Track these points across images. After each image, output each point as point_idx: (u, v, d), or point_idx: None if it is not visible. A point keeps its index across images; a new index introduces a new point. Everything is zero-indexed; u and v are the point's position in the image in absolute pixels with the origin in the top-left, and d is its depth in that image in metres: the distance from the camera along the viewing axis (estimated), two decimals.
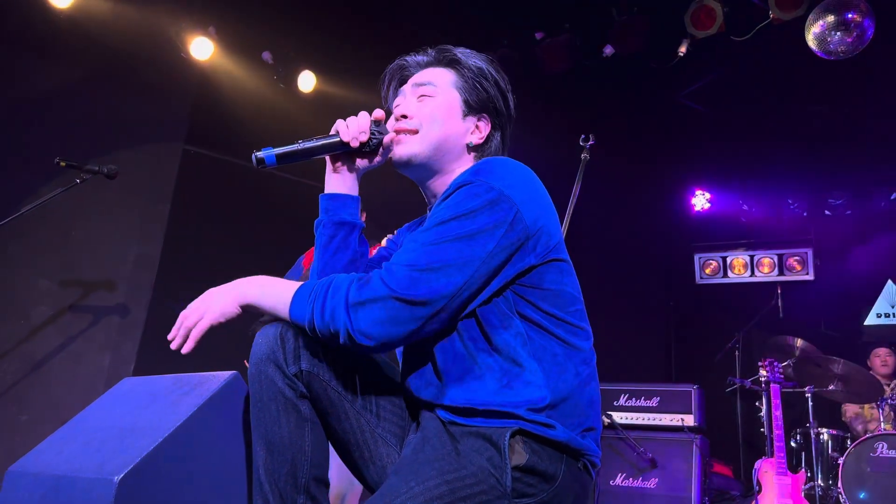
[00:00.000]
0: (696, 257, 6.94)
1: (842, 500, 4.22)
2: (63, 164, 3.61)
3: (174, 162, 5.17)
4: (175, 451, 1.38)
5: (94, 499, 1.34)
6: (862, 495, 4.19)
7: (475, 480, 1.29)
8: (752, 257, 6.66)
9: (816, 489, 4.51)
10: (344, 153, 1.63)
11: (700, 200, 6.99)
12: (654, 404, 4.83)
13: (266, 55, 5.45)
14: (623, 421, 4.79)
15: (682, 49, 4.93)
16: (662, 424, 4.74)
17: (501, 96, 1.68)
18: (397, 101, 1.68)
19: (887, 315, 6.42)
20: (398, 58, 1.74)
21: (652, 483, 4.56)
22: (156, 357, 4.70)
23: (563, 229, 3.16)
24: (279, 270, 4.31)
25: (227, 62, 5.33)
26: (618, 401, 4.92)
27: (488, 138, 1.66)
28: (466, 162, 1.63)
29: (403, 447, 1.47)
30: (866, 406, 5.16)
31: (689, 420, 4.67)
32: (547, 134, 5.23)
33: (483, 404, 1.37)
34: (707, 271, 6.86)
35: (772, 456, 4.33)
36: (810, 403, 4.78)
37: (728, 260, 6.77)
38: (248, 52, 5.39)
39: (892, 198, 6.23)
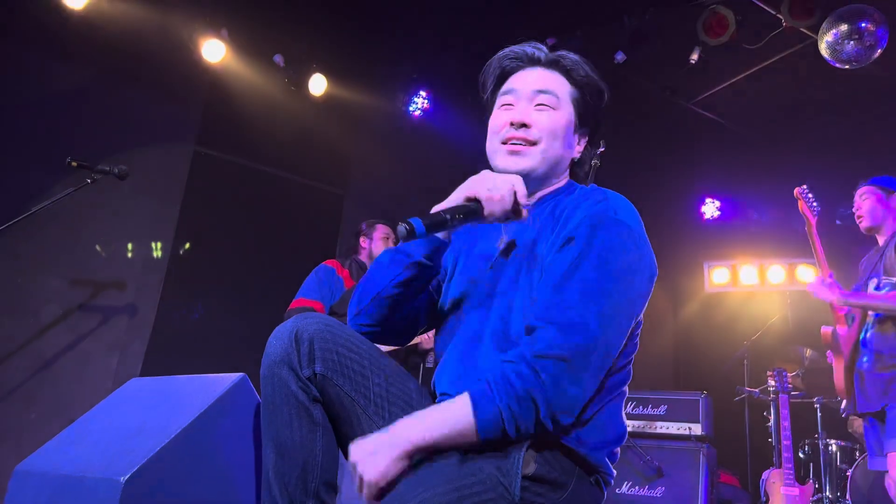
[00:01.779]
0: (705, 265, 6.92)
1: None
2: (75, 164, 3.62)
3: (185, 163, 5.19)
4: (182, 452, 1.38)
5: (100, 499, 1.34)
6: None
7: (484, 488, 1.28)
8: (762, 266, 6.62)
9: (825, 501, 4.47)
10: None
11: (710, 209, 6.97)
12: (661, 412, 4.81)
13: (277, 58, 5.46)
14: (630, 429, 4.75)
15: (694, 56, 4.92)
16: (669, 433, 4.72)
17: (603, 110, 1.65)
18: (508, 100, 1.59)
19: None
20: (509, 48, 1.64)
21: (658, 492, 4.53)
22: (164, 357, 4.72)
23: None
24: (286, 272, 4.33)
25: (239, 65, 5.35)
26: (625, 409, 4.91)
27: (585, 151, 1.64)
28: (564, 176, 1.62)
29: None
30: None
31: (697, 429, 4.65)
32: None
33: None
34: (716, 280, 6.83)
35: (780, 466, 4.29)
36: (819, 414, 4.75)
37: (738, 269, 6.74)
38: (259, 54, 5.41)
39: None
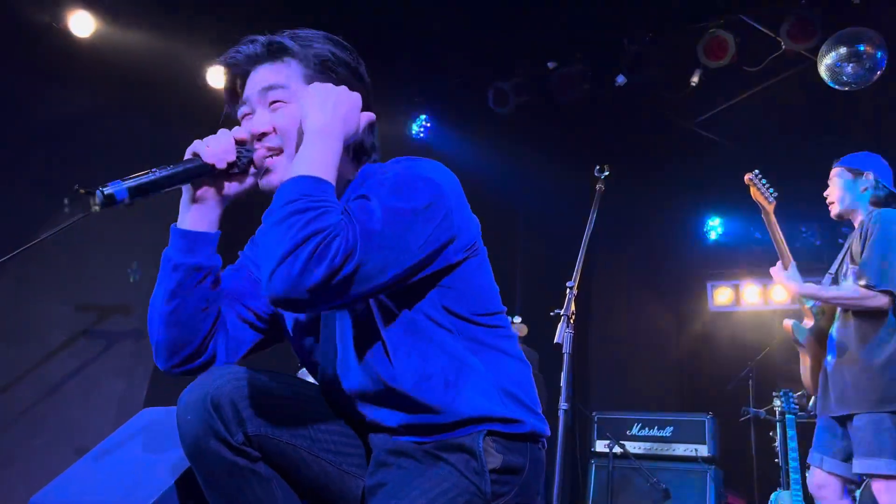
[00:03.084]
0: (709, 285, 6.93)
1: None
2: (83, 191, 3.65)
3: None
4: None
5: None
6: None
7: (459, 492, 1.27)
8: (765, 285, 6.63)
9: None
10: (208, 178, 1.38)
11: (713, 228, 6.99)
12: (667, 434, 4.80)
13: None
14: (636, 451, 4.76)
15: (695, 79, 4.97)
16: (676, 455, 4.71)
17: (353, 74, 1.47)
18: (245, 110, 1.44)
19: None
20: (226, 54, 1.47)
21: None
22: (169, 382, 4.71)
23: (580, 258, 3.16)
24: None
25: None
26: (631, 430, 4.89)
27: (356, 128, 1.41)
28: (347, 164, 1.46)
29: (370, 474, 1.39)
30: None
31: (703, 450, 4.64)
32: (561, 163, 5.26)
33: (443, 419, 1.34)
34: (720, 299, 6.84)
35: (787, 488, 4.27)
36: None
37: (741, 288, 6.75)
38: None
39: None
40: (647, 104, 5.60)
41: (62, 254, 4.66)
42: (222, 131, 1.38)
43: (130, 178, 1.23)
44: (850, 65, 4.26)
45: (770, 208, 3.30)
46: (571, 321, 2.91)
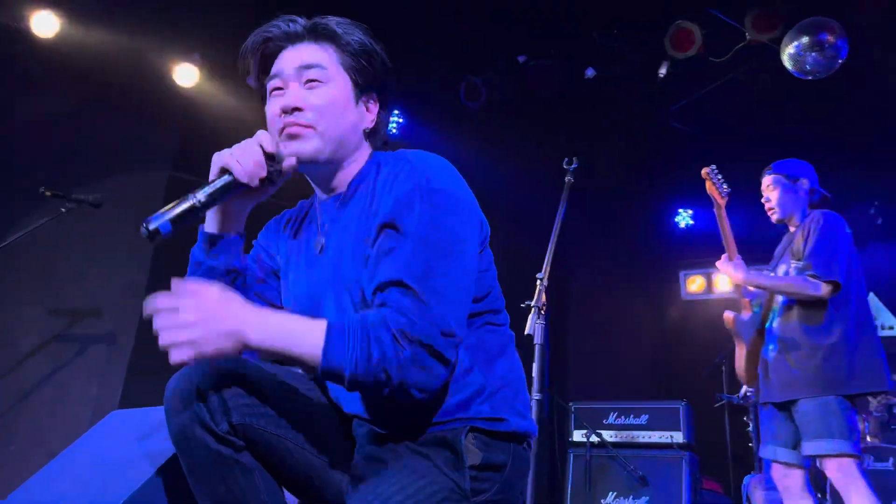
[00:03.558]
0: (681, 274, 7.02)
1: None
2: (49, 193, 3.62)
3: (161, 189, 5.17)
4: (164, 486, 1.38)
5: None
6: None
7: (437, 488, 1.28)
8: None
9: None
10: (239, 193, 1.43)
11: (684, 218, 7.07)
12: (642, 422, 4.85)
13: (251, 80, 5.47)
14: (613, 439, 4.81)
15: (663, 70, 5.02)
16: (651, 442, 4.76)
17: (385, 70, 1.52)
18: (276, 84, 1.46)
19: None
20: (261, 28, 1.50)
21: (643, 501, 4.57)
22: (144, 385, 4.67)
23: (549, 250, 3.19)
24: None
25: (213, 88, 5.36)
26: (607, 419, 4.94)
27: (379, 119, 1.52)
28: (362, 150, 1.51)
29: (353, 466, 1.41)
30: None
31: (678, 437, 4.70)
32: (533, 156, 5.29)
33: (427, 414, 1.35)
34: (692, 288, 6.93)
35: (760, 471, 4.35)
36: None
37: (712, 276, 6.85)
38: (233, 77, 5.42)
39: (871, 212, 6.32)
40: (617, 96, 5.64)
41: (32, 258, 4.60)
42: (249, 143, 1.38)
43: (170, 209, 1.28)
44: (813, 54, 4.33)
45: (722, 203, 3.40)
46: (542, 312, 2.94)
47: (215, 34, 5.18)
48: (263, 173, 1.38)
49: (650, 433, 4.79)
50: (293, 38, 1.47)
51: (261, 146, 1.38)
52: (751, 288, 3.29)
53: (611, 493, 4.67)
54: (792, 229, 3.28)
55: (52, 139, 4.83)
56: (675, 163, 6.43)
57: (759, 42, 4.65)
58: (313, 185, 1.57)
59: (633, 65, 5.15)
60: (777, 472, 3.13)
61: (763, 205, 3.39)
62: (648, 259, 7.03)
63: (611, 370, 6.37)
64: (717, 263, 3.30)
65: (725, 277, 6.75)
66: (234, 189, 1.36)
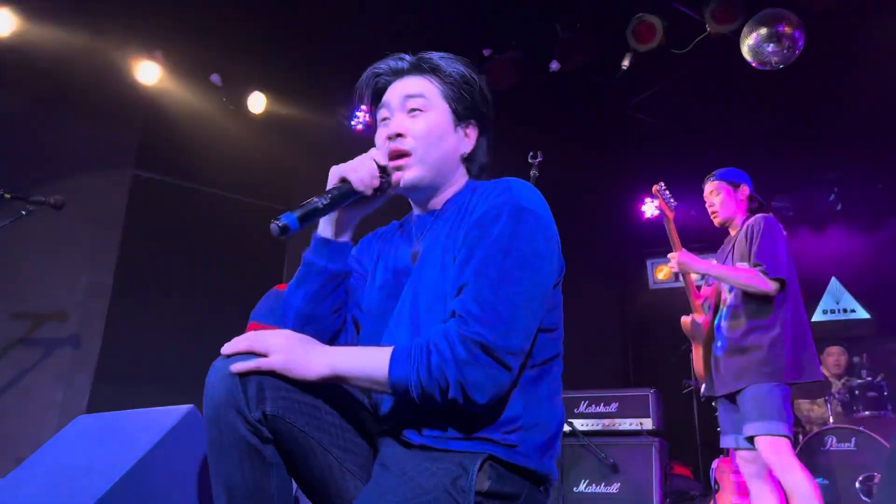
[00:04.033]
0: (649, 263, 7.12)
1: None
2: (7, 196, 3.54)
3: (124, 188, 5.10)
4: (132, 490, 1.37)
5: None
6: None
7: None
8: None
9: None
10: (354, 201, 1.53)
11: (650, 207, 7.14)
12: (613, 410, 4.91)
13: (215, 77, 5.42)
14: (584, 428, 4.87)
15: (626, 62, 5.07)
16: (622, 429, 4.82)
17: (484, 100, 1.64)
18: (384, 114, 1.60)
19: (833, 311, 6.66)
20: (373, 66, 1.65)
21: (614, 487, 4.63)
22: (111, 388, 4.62)
23: None
24: (234, 294, 4.29)
25: (175, 86, 5.29)
26: (578, 408, 5.00)
27: (477, 145, 1.63)
28: (460, 174, 1.62)
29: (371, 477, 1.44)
30: (817, 401, 5.34)
31: (648, 423, 4.76)
32: (497, 149, 5.29)
33: (459, 428, 1.36)
34: (659, 276, 7.03)
35: (728, 455, 4.44)
36: None
37: None
38: (196, 74, 5.36)
39: (831, 199, 6.47)
40: (582, 89, 5.69)
41: None
42: (364, 156, 1.51)
43: (297, 209, 1.40)
44: (771, 45, 4.42)
45: (671, 216, 3.69)
46: None
47: (177, 31, 5.11)
48: (377, 183, 1.50)
49: (620, 421, 4.85)
50: (399, 73, 1.61)
51: (374, 160, 1.51)
52: (699, 281, 3.46)
53: (583, 481, 4.72)
54: (732, 233, 3.50)
55: (10, 139, 4.73)
56: (641, 153, 6.52)
57: (719, 34, 4.72)
58: (413, 204, 1.67)
59: (597, 57, 5.19)
60: (741, 457, 3.29)
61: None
62: (616, 249, 7.12)
63: (581, 359, 6.40)
64: (682, 258, 3.42)
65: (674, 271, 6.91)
66: (350, 196, 1.49)
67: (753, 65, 4.66)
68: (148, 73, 5.08)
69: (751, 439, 3.05)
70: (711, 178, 3.57)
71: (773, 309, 3.15)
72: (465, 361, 1.28)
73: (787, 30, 4.35)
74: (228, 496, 1.31)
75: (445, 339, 1.31)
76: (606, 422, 4.89)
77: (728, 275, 3.23)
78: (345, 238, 1.57)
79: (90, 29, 4.80)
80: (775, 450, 2.96)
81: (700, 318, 3.52)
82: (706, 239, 6.95)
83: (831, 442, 4.38)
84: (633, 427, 4.79)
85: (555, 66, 5.19)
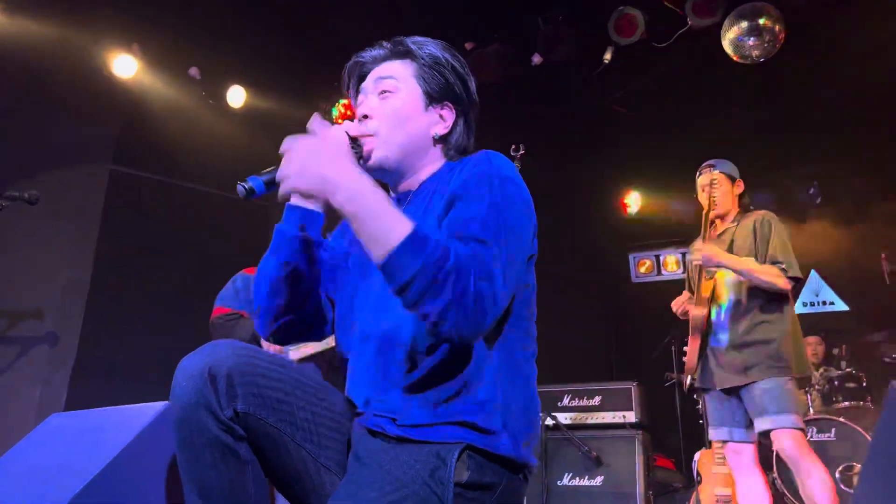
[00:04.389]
0: (631, 257, 7.14)
1: (777, 485, 4.38)
2: None
3: (101, 183, 5.04)
4: (106, 488, 1.35)
5: None
6: (794, 477, 4.36)
7: (417, 499, 1.28)
8: (683, 254, 6.89)
9: None
10: None
11: (632, 201, 7.18)
12: (596, 403, 4.93)
13: (193, 71, 5.35)
14: (567, 421, 4.88)
15: (608, 56, 5.08)
16: (605, 422, 4.84)
17: (461, 81, 1.63)
18: (360, 98, 1.63)
19: (812, 304, 6.71)
20: (354, 55, 1.67)
21: (598, 480, 4.64)
22: (89, 386, 4.56)
23: None
24: (213, 288, 4.24)
25: (153, 79, 5.22)
26: (561, 402, 5.01)
27: (453, 127, 1.62)
28: (435, 155, 1.61)
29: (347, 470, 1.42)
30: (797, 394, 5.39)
31: (631, 416, 4.78)
32: (480, 143, 5.27)
33: (434, 415, 1.35)
34: (642, 270, 7.06)
35: (710, 447, 4.47)
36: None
37: (661, 258, 6.99)
38: (174, 68, 5.29)
39: (811, 192, 6.52)
40: (563, 82, 5.68)
41: None
42: (337, 127, 1.49)
43: (265, 173, 1.42)
44: (752, 38, 4.44)
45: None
46: None
47: (155, 24, 5.05)
48: None
49: (603, 414, 4.87)
50: (378, 60, 1.62)
51: (346, 132, 1.49)
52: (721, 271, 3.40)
53: (567, 474, 4.73)
54: (721, 226, 3.51)
55: None
56: (623, 147, 6.53)
57: (701, 28, 4.74)
58: (389, 185, 1.65)
59: (579, 51, 5.19)
60: (731, 448, 3.35)
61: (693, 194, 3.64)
62: (598, 243, 7.14)
63: (564, 353, 6.44)
64: (697, 249, 3.40)
65: (676, 257, 6.96)
66: None
67: (734, 59, 4.67)
68: (125, 66, 5.01)
69: (765, 433, 3.11)
70: (711, 169, 3.54)
71: (781, 304, 3.23)
72: (474, 274, 1.26)
73: (768, 23, 4.38)
74: (203, 496, 1.29)
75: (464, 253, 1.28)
76: (590, 415, 4.90)
77: (751, 271, 3.23)
78: (316, 208, 1.54)
79: (66, 22, 4.72)
80: (798, 443, 3.04)
81: (703, 311, 3.49)
82: (687, 233, 7.01)
83: (811, 433, 4.43)
84: (617, 420, 4.81)
85: (537, 59, 5.19)
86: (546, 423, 4.83)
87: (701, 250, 3.36)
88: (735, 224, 3.45)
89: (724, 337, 3.30)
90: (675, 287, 6.95)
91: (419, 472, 1.30)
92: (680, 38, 4.89)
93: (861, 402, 4.74)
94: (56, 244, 4.82)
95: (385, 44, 1.63)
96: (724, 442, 3.36)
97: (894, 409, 1.24)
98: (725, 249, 3.39)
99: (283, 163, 1.34)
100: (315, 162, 1.32)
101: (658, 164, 6.68)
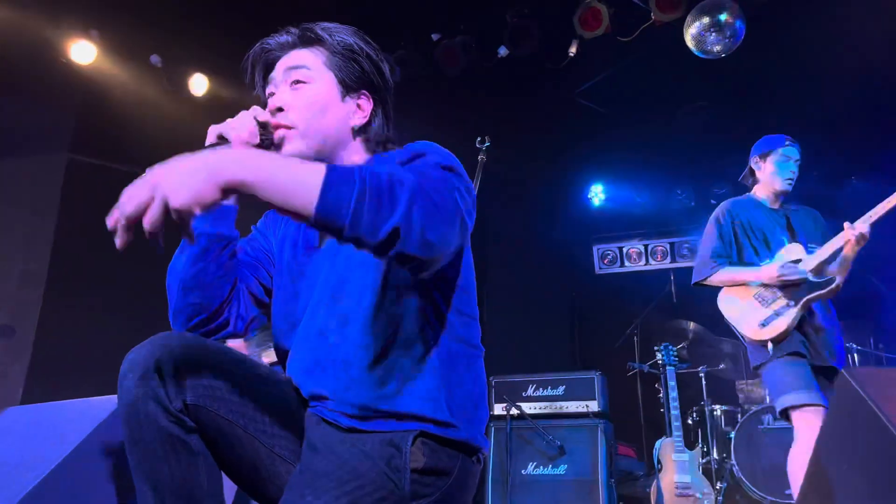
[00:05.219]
0: (595, 249, 7.23)
1: (735, 471, 4.49)
2: None
3: (59, 172, 4.92)
4: (62, 484, 1.32)
5: None
6: (752, 464, 4.48)
7: (374, 488, 1.28)
8: (646, 246, 6.99)
9: (712, 463, 4.77)
10: None
11: (596, 194, 7.26)
12: (560, 393, 4.98)
13: (154, 58, 5.25)
14: (532, 411, 4.92)
15: (573, 49, 5.11)
16: (569, 412, 4.89)
17: (376, 69, 1.57)
18: (269, 90, 1.55)
19: None
20: (261, 41, 1.58)
21: (561, 469, 4.69)
22: (47, 380, 4.47)
23: None
24: None
25: (113, 66, 5.11)
26: (526, 391, 5.05)
27: (372, 116, 1.56)
28: (356, 148, 1.55)
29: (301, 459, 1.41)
30: (754, 382, 5.52)
31: (594, 406, 4.84)
32: (446, 134, 5.27)
33: (385, 405, 1.35)
34: (605, 262, 7.15)
35: (671, 435, 4.56)
36: (704, 382, 5.07)
37: (625, 250, 7.09)
38: (134, 55, 5.18)
39: None
40: (529, 75, 5.70)
41: None
42: (244, 113, 1.46)
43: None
44: (713, 34, 4.50)
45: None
46: None
47: (114, 9, 4.93)
48: (256, 140, 1.44)
49: (567, 403, 4.92)
50: (286, 47, 1.55)
51: (255, 117, 1.45)
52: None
53: (531, 464, 4.78)
54: (773, 205, 3.46)
55: None
56: (587, 140, 6.58)
57: (664, 22, 4.79)
58: None
59: (545, 44, 5.21)
60: (819, 414, 3.16)
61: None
62: (562, 234, 7.20)
63: (528, 344, 6.51)
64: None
65: (639, 249, 7.06)
66: None
67: (697, 54, 4.74)
68: (83, 52, 4.89)
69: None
70: (795, 143, 3.45)
71: None
72: (419, 191, 1.17)
73: (729, 19, 4.45)
74: (155, 493, 1.26)
75: (404, 184, 1.18)
76: (554, 404, 4.95)
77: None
78: (228, 200, 1.43)
79: (22, 6, 4.59)
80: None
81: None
82: (649, 225, 7.12)
83: (768, 420, 4.54)
84: (580, 409, 4.86)
85: (503, 51, 5.20)
86: (511, 412, 4.87)
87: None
88: (789, 206, 3.44)
89: (833, 317, 3.33)
90: (638, 278, 7.11)
91: (375, 461, 1.30)
92: (644, 33, 4.94)
93: None
94: (12, 234, 4.70)
95: (293, 30, 1.56)
96: (816, 406, 3.13)
97: (842, 395, 1.28)
98: (796, 233, 3.38)
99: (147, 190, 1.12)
100: (189, 162, 1.13)
101: (622, 156, 6.75)
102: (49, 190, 4.87)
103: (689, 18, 4.61)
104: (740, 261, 3.39)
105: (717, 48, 4.58)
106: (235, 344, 3.93)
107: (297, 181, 1.12)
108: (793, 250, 3.31)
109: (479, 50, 5.35)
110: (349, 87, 1.54)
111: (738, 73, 5.48)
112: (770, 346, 3.16)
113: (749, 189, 3.58)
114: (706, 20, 4.49)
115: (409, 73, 5.52)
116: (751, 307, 3.26)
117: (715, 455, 4.83)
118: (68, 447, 1.38)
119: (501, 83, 5.80)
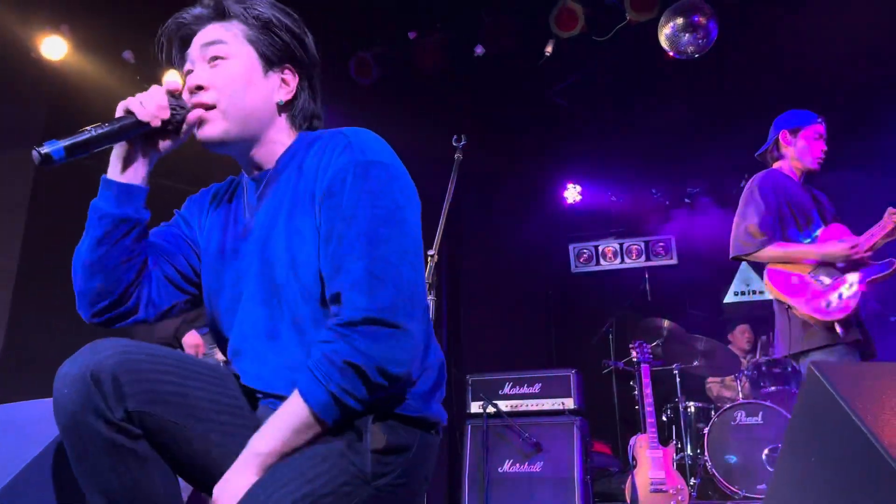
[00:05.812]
0: (571, 247, 7.27)
1: (708, 467, 4.54)
2: None
3: (28, 170, 4.84)
4: (32, 484, 1.30)
5: None
6: (725, 460, 4.53)
7: (337, 472, 1.27)
8: (621, 245, 7.05)
9: (686, 459, 4.82)
10: (141, 135, 1.40)
11: (572, 193, 7.29)
12: (536, 390, 5.00)
13: (127, 54, 5.18)
14: (508, 409, 4.94)
15: (549, 49, 5.14)
16: (545, 409, 4.91)
17: (298, 41, 1.50)
18: (188, 67, 1.47)
19: (743, 293, 6.95)
20: (175, 15, 1.51)
21: (538, 466, 4.71)
22: (16, 380, 4.39)
23: (440, 228, 3.21)
24: None
25: (84, 62, 5.04)
26: (502, 389, 5.07)
27: (298, 91, 1.50)
28: (282, 125, 1.49)
29: None
30: (727, 379, 5.59)
31: (569, 403, 4.87)
32: (422, 132, 5.28)
33: None
34: (581, 260, 7.20)
35: (645, 431, 4.60)
36: (678, 379, 5.12)
37: (600, 248, 7.13)
38: (106, 50, 5.11)
39: (742, 185, 6.73)
40: (506, 74, 5.72)
41: None
42: (155, 87, 1.39)
43: (66, 138, 1.26)
44: (687, 34, 4.56)
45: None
46: (435, 288, 2.96)
47: (85, 4, 4.86)
48: (166, 114, 1.38)
49: (543, 401, 4.94)
50: (202, 21, 1.48)
51: (167, 90, 1.39)
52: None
53: (507, 461, 4.79)
54: (801, 180, 3.37)
55: None
56: (563, 140, 6.62)
57: (638, 22, 4.83)
58: (240, 164, 1.54)
59: (521, 43, 5.23)
60: None
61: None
62: (538, 233, 7.23)
63: (505, 342, 6.54)
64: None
65: (614, 247, 7.11)
66: (134, 129, 1.36)
67: (671, 54, 4.79)
68: (54, 48, 4.82)
69: None
70: (822, 120, 3.34)
71: None
72: (367, 345, 1.24)
73: (702, 20, 4.50)
74: (109, 500, 1.23)
75: (339, 335, 1.26)
76: (530, 402, 4.97)
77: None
78: (136, 180, 1.44)
79: None
80: None
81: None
82: (624, 223, 7.18)
83: (740, 416, 4.60)
84: (556, 407, 4.88)
85: (479, 50, 5.21)
86: (487, 410, 4.88)
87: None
88: (810, 187, 3.33)
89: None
90: (613, 277, 7.16)
91: (335, 444, 1.29)
92: (619, 33, 4.98)
93: (786, 387, 4.94)
94: None
95: (206, 2, 1.49)
96: None
97: (810, 389, 1.30)
98: (828, 215, 3.27)
99: None
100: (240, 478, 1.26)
101: (598, 155, 6.80)
102: (18, 187, 4.80)
103: (663, 19, 4.67)
104: (783, 236, 3.21)
105: (690, 49, 4.64)
106: (193, 339, 3.90)
107: (298, 428, 1.27)
108: (836, 230, 3.16)
109: (456, 48, 5.35)
110: (271, 61, 1.47)
111: (713, 73, 5.54)
112: (839, 328, 2.96)
113: (767, 165, 3.43)
114: (680, 21, 4.55)
115: (386, 71, 5.51)
116: (809, 287, 3.07)
117: (689, 451, 4.88)
118: (38, 447, 1.35)
119: (478, 82, 5.81)
